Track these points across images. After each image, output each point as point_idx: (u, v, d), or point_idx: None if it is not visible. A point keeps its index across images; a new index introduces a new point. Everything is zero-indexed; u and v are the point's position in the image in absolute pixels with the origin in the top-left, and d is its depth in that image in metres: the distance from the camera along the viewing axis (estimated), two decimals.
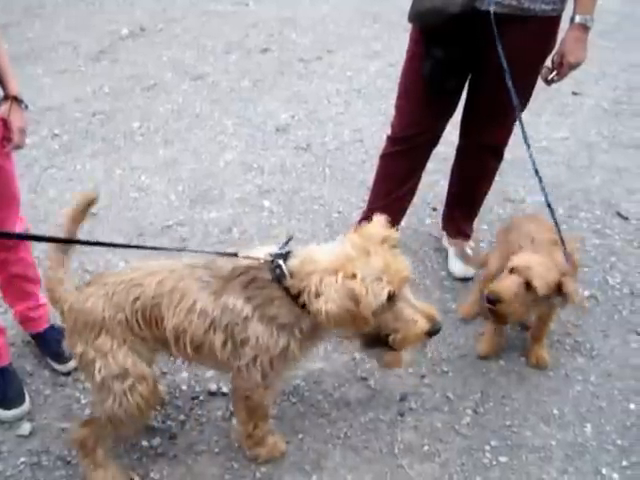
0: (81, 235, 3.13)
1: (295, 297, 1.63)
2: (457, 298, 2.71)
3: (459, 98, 2.50)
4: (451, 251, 2.89)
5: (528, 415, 2.22)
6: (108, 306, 1.73)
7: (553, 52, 2.29)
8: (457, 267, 2.82)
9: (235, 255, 1.72)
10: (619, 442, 2.14)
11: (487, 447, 2.11)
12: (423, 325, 1.59)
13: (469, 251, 2.87)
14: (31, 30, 5.79)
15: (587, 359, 2.45)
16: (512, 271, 2.05)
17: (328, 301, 1.51)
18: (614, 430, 2.18)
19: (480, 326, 2.53)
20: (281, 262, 1.65)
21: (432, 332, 1.62)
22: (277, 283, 1.66)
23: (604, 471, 2.04)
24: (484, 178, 2.74)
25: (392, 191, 2.69)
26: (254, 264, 1.69)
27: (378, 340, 1.66)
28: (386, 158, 2.67)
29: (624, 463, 2.07)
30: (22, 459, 2.06)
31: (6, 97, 1.96)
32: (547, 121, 4.17)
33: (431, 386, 2.32)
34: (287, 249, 1.70)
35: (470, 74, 2.41)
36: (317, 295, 1.54)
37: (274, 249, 1.72)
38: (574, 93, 4.50)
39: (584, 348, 2.50)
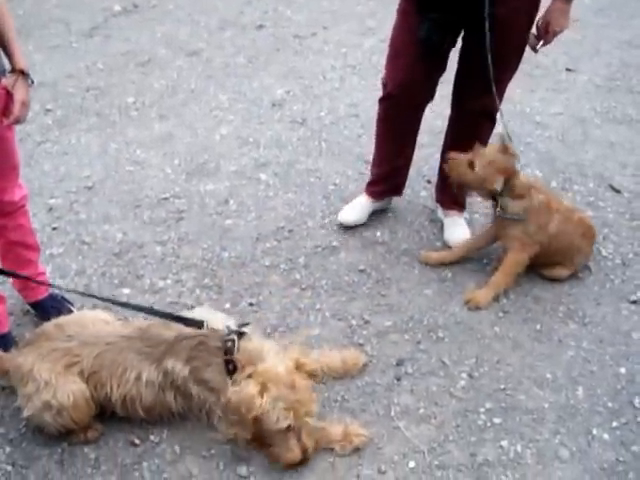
0: (78, 205, 3.16)
1: (229, 370, 1.87)
2: (452, 267, 2.73)
3: (449, 53, 2.51)
4: (446, 222, 2.90)
5: (522, 379, 2.25)
6: (38, 362, 1.89)
7: (537, 18, 2.36)
8: (452, 237, 2.83)
9: (200, 324, 1.91)
10: (610, 404, 2.17)
11: (482, 409, 2.14)
12: (294, 457, 1.86)
13: (464, 222, 2.89)
14: (21, 7, 5.69)
15: (579, 326, 2.48)
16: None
17: (236, 392, 1.79)
18: (605, 393, 2.21)
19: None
20: (236, 338, 1.88)
21: (297, 465, 1.88)
22: (222, 352, 1.87)
23: (595, 432, 2.08)
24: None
25: (391, 155, 2.77)
26: (201, 332, 1.91)
27: (260, 442, 1.91)
28: (382, 121, 2.72)
29: (614, 424, 2.11)
30: (24, 422, 2.07)
31: (13, 70, 1.96)
32: (541, 97, 4.17)
33: (427, 351, 2.35)
34: (243, 330, 1.94)
35: (463, 32, 2.43)
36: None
37: (229, 321, 1.98)
38: (568, 69, 4.49)
39: (577, 315, 2.53)
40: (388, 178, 2.89)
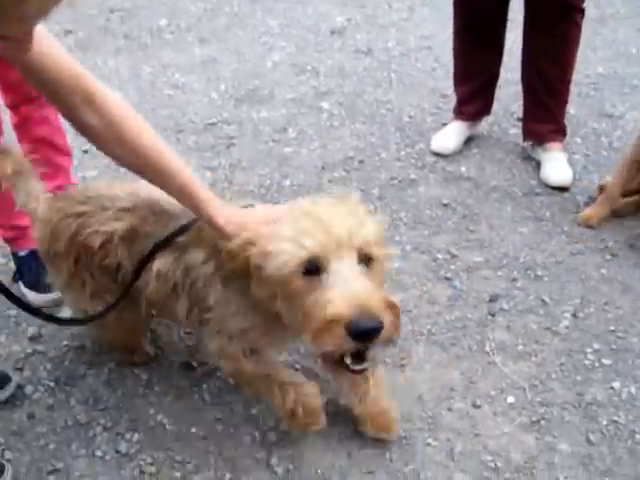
0: None
1: None
2: (550, 207, 2.92)
3: None
4: (544, 157, 3.10)
5: (634, 322, 2.43)
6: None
7: None
8: (551, 175, 3.02)
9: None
10: None
11: (589, 350, 2.32)
12: (339, 309, 1.32)
13: (564, 158, 3.08)
14: None
15: None
16: None
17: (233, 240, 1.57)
18: None
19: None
20: None
21: (352, 327, 1.31)
22: None
23: None
24: (558, 52, 2.90)
25: (472, 71, 3.12)
26: None
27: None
28: (457, 33, 3.09)
29: None
30: (65, 342, 2.31)
31: None
32: None
33: (524, 289, 2.54)
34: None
35: None
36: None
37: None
38: None
39: None
40: (475, 94, 3.19)
